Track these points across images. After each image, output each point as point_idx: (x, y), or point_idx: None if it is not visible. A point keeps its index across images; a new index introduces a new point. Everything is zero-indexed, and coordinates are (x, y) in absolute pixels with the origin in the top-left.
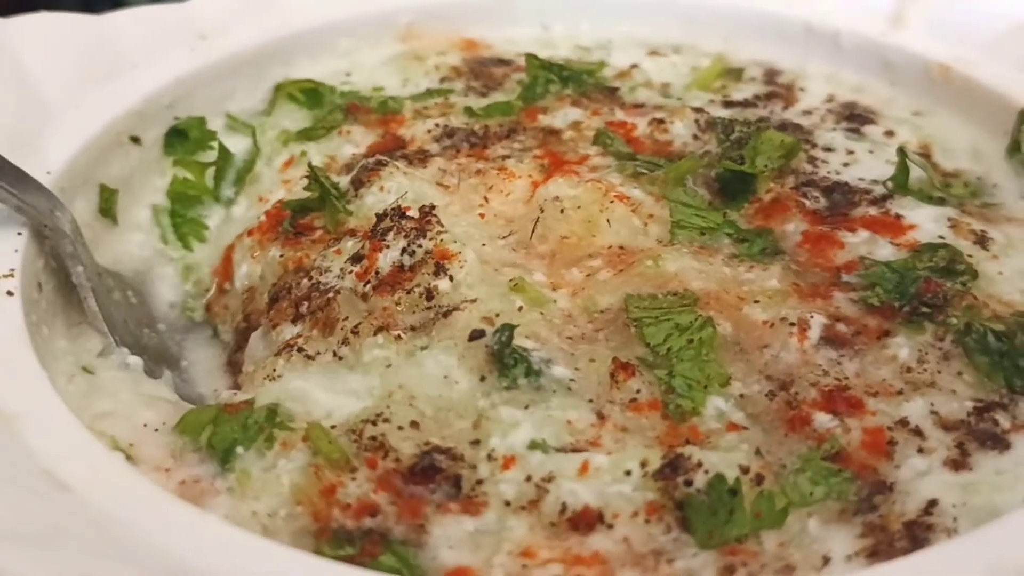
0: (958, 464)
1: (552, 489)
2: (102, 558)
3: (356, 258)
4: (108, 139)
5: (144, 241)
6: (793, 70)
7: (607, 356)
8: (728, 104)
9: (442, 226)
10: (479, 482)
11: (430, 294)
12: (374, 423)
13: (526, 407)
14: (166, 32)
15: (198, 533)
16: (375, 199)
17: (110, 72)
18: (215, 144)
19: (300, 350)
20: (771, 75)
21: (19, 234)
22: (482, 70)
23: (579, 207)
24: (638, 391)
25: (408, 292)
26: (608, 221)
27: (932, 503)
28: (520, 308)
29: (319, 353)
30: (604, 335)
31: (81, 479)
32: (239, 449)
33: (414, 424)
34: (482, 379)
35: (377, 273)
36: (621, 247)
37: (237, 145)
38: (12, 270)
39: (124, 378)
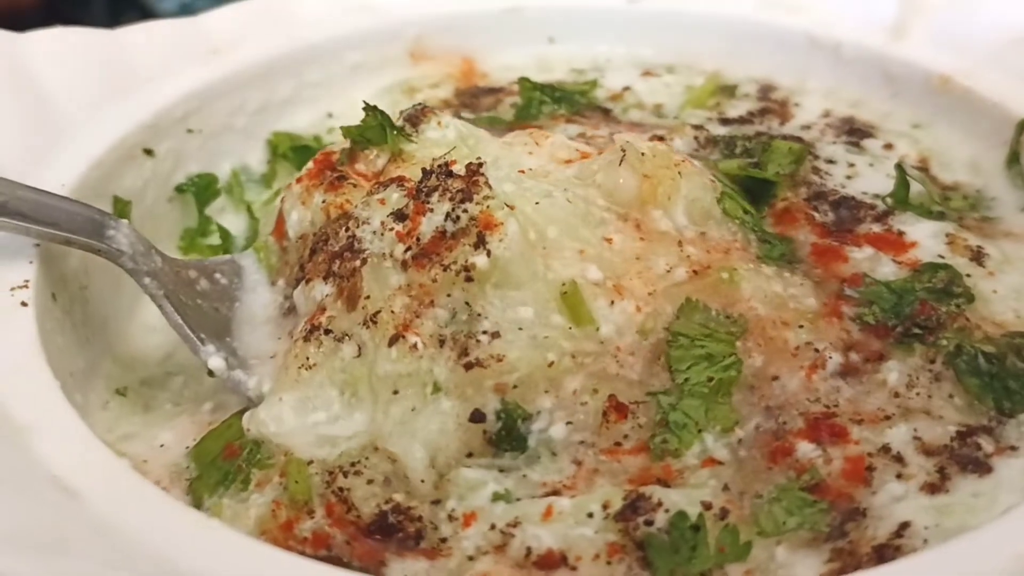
0: (935, 488)
1: (517, 533)
2: (109, 565)
3: (399, 216)
4: (122, 152)
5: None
6: (788, 85)
7: (607, 391)
8: (725, 121)
9: (490, 188)
10: (442, 540)
11: (468, 274)
12: (345, 474)
13: (500, 470)
14: (179, 46)
15: (204, 540)
16: (437, 134)
17: (124, 86)
18: (214, 229)
19: (328, 332)
20: (765, 91)
21: (36, 245)
22: (472, 101)
23: (655, 155)
24: (625, 436)
25: (445, 268)
26: (681, 175)
27: (904, 525)
28: (551, 364)
29: (347, 336)
30: (635, 360)
31: (89, 487)
32: (213, 498)
33: (386, 481)
34: (469, 455)
35: (419, 240)
36: (703, 233)
37: (238, 224)
38: (27, 281)
39: (155, 396)
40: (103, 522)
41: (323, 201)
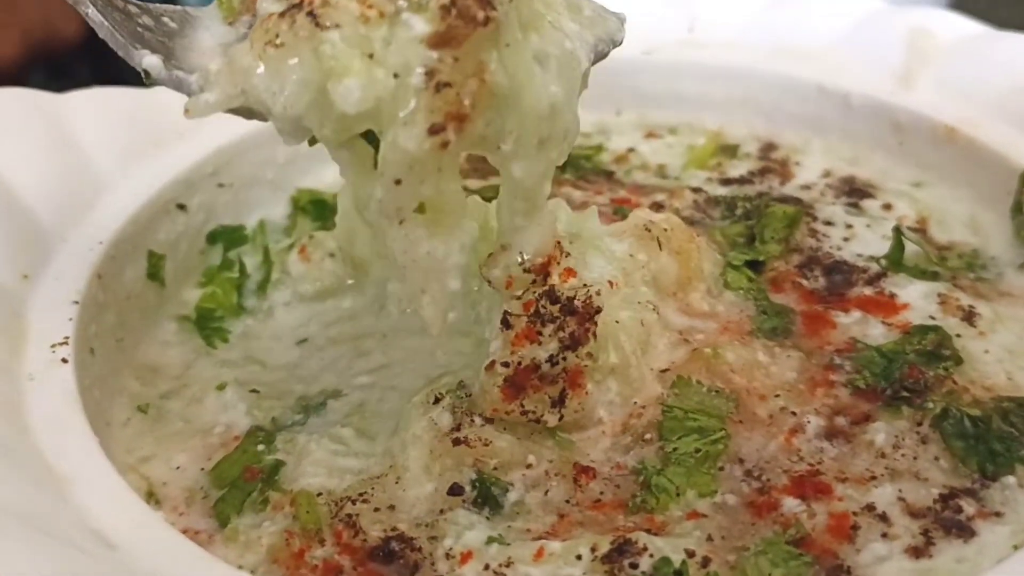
0: (919, 552)
1: (510, 573)
2: None
3: (505, 323)
4: (156, 208)
5: None
6: (790, 143)
7: (570, 460)
8: (725, 182)
9: (596, 338)
10: None
11: (538, 421)
12: (354, 502)
13: (487, 518)
14: None
15: None
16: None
17: (158, 142)
18: (234, 262)
19: (312, 15)
20: (766, 150)
21: (75, 303)
22: (482, 165)
23: (674, 229)
24: (601, 493)
25: (523, 412)
26: (698, 249)
27: None
28: (529, 465)
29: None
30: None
31: (127, 539)
32: (238, 519)
33: (392, 507)
34: (442, 511)
35: (519, 364)
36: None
37: (253, 263)
38: (66, 338)
39: (171, 411)
40: (139, 572)
41: None
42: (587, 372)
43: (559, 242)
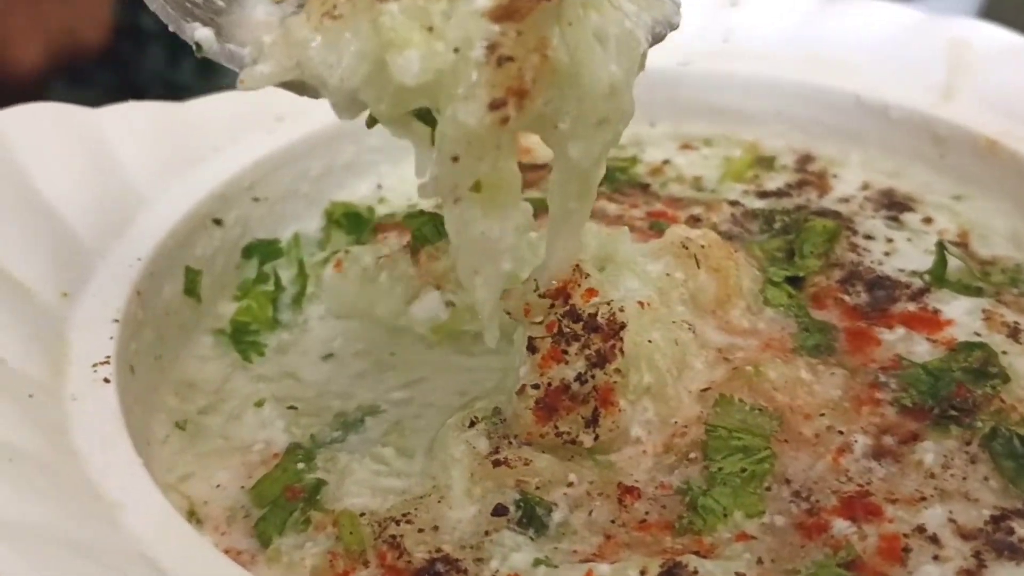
0: (972, 574)
1: None
2: None
3: (531, 347)
4: (193, 223)
5: None
6: (827, 155)
7: (613, 480)
8: (762, 195)
9: (623, 354)
10: None
11: (573, 444)
12: (398, 522)
13: (531, 539)
14: (246, 115)
15: None
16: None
17: (194, 157)
18: (270, 275)
19: None
20: (803, 162)
21: (115, 321)
22: None
23: (712, 246)
24: (647, 513)
25: (558, 434)
26: (737, 265)
27: None
28: (570, 484)
29: None
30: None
31: (176, 563)
32: (280, 539)
33: (435, 528)
34: (487, 532)
35: (549, 385)
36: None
37: (288, 275)
38: (108, 357)
39: (209, 427)
40: None
41: None
42: (618, 389)
43: (578, 265)
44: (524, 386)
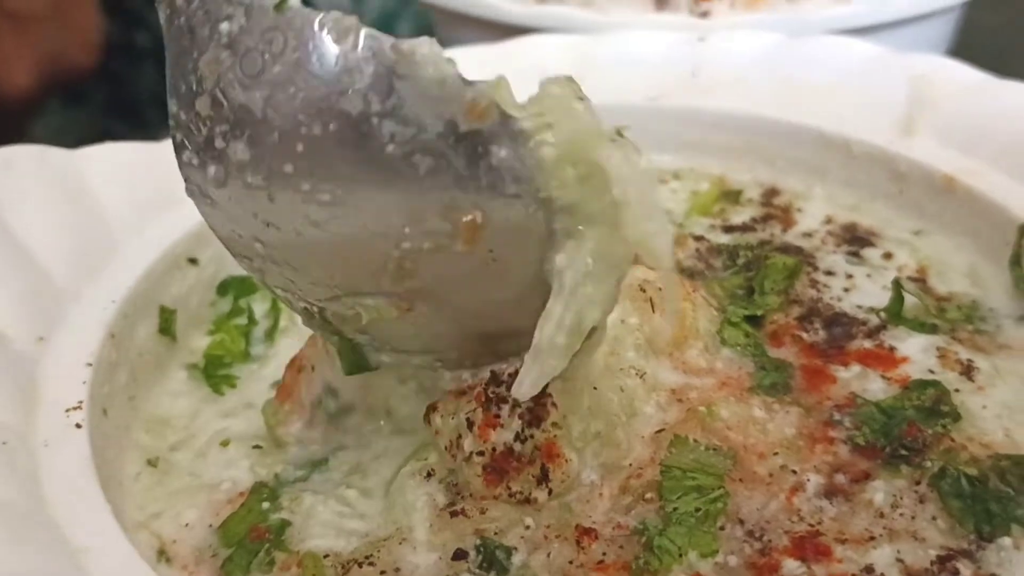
0: None
1: None
2: None
3: (468, 423)
4: (168, 263)
5: None
6: (793, 189)
7: (570, 522)
8: (728, 229)
9: (556, 407)
10: None
11: (528, 501)
12: (360, 564)
13: None
14: None
15: None
16: None
17: (170, 197)
18: (244, 309)
19: None
20: (769, 196)
21: (88, 365)
22: None
23: (666, 288)
24: (604, 553)
25: (511, 494)
26: (694, 307)
27: None
28: (528, 527)
29: None
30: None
31: None
32: None
33: (397, 570)
34: None
35: (494, 450)
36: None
37: (262, 308)
38: (80, 402)
39: (180, 463)
40: None
41: None
42: (560, 442)
43: None
44: (471, 454)
